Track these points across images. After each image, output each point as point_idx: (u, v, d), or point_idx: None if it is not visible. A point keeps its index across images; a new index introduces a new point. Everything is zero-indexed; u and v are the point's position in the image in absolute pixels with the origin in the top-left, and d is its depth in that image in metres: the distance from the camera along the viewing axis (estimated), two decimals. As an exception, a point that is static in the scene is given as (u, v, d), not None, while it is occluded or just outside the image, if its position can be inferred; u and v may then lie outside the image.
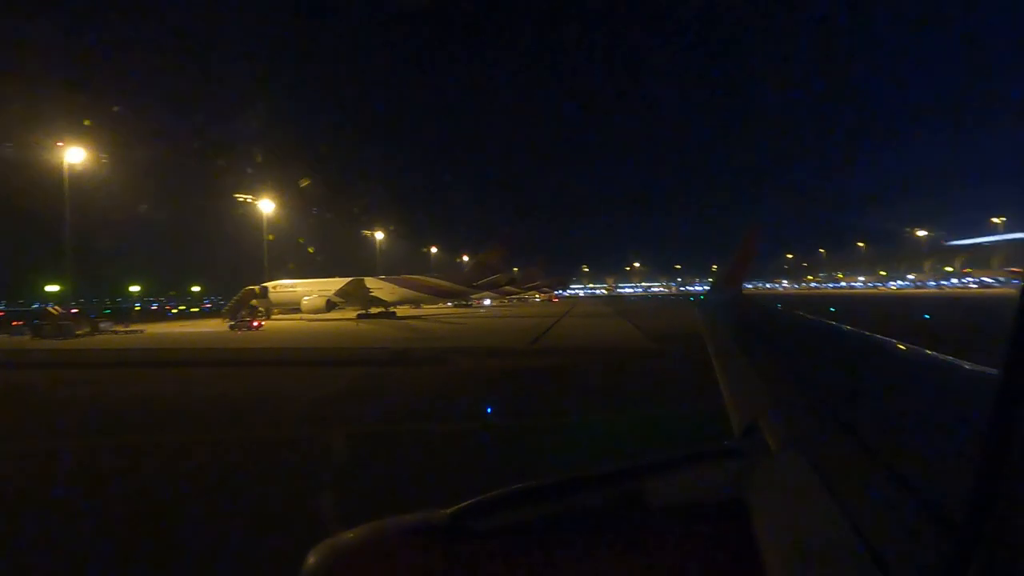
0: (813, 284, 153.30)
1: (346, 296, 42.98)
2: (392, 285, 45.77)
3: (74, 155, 35.08)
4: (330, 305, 43.19)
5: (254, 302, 45.63)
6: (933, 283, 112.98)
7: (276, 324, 36.57)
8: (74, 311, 33.82)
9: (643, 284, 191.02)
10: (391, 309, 45.77)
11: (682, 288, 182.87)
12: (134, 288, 60.26)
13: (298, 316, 44.15)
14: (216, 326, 38.48)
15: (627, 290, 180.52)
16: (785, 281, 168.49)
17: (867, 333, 2.05)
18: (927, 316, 28.35)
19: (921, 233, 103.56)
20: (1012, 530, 0.52)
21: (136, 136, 47.02)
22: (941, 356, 1.46)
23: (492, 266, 46.88)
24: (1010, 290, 78.59)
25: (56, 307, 33.05)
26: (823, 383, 1.48)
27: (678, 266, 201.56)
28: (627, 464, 1.00)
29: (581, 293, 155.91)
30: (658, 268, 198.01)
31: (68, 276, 41.73)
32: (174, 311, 69.03)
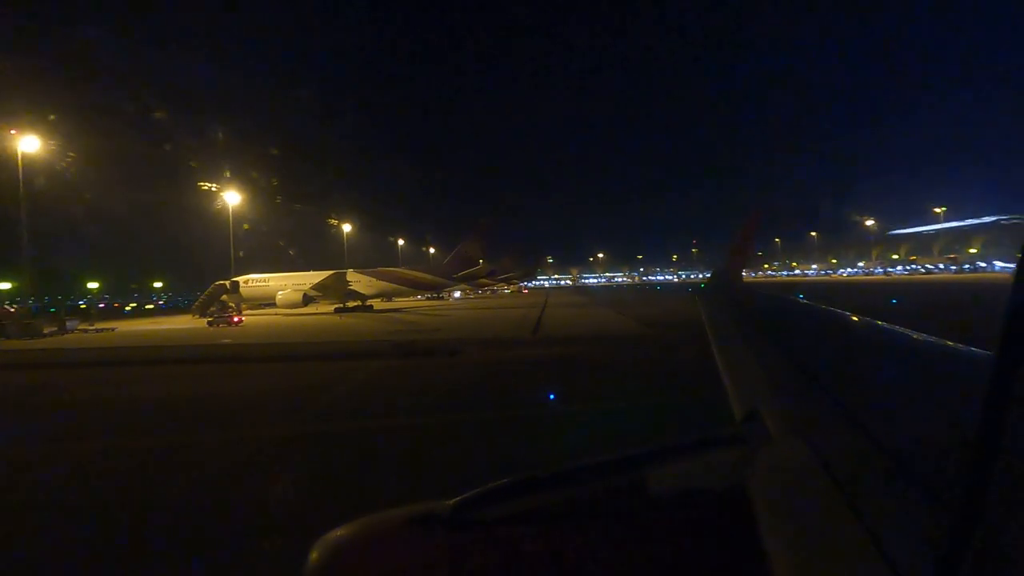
0: (770, 272, 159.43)
1: (323, 290, 42.06)
2: (370, 278, 45.00)
3: (29, 144, 32.95)
4: (307, 299, 42.21)
5: (224, 297, 44.22)
6: (880, 270, 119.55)
7: (255, 319, 35.43)
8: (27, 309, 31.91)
9: (606, 274, 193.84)
10: (368, 303, 45.11)
11: (645, 277, 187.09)
12: (92, 285, 56.81)
13: (272, 311, 42.93)
14: (188, 323, 37.03)
15: (591, 280, 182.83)
16: (743, 270, 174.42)
17: (868, 319, 2.05)
18: (894, 301, 30.01)
19: (869, 223, 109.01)
20: (1008, 516, 0.52)
21: (93, 126, 44.29)
22: (942, 341, 1.47)
23: (471, 258, 46.68)
24: (952, 276, 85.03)
25: (13, 305, 31.08)
26: (824, 369, 1.49)
27: (640, 256, 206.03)
28: (628, 452, 1.01)
29: (546, 284, 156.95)
30: (620, 258, 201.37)
31: (25, 272, 39.14)
32: (128, 308, 65.90)
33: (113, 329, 30.33)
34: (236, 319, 31.49)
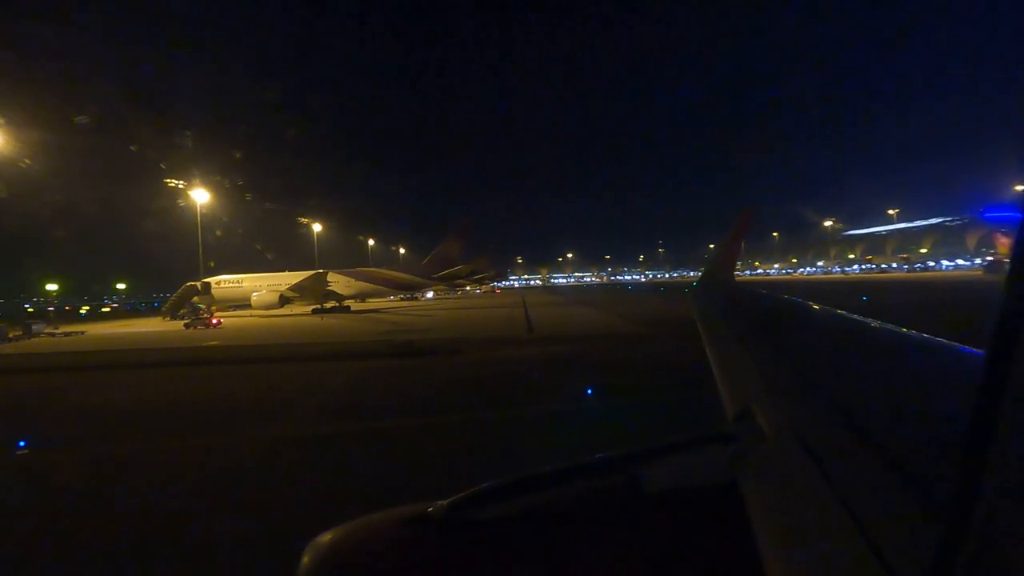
0: (735, 272, 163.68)
1: (301, 290, 41.21)
2: (348, 278, 44.27)
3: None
4: (283, 300, 41.30)
5: (195, 299, 42.87)
6: (838, 269, 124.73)
7: (233, 321, 34.37)
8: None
9: (575, 274, 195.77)
10: (344, 303, 44.44)
11: (613, 277, 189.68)
12: (51, 287, 53.79)
13: (247, 313, 41.78)
14: (161, 325, 35.68)
15: (560, 280, 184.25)
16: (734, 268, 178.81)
17: (860, 317, 2.05)
18: (864, 298, 31.42)
19: (828, 223, 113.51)
20: (999, 516, 0.53)
21: (52, 122, 41.90)
22: (935, 339, 1.47)
23: (450, 258, 46.45)
24: (905, 274, 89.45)
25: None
26: (816, 367, 1.49)
27: (607, 256, 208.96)
28: (622, 451, 1.01)
29: (516, 284, 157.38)
30: (589, 258, 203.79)
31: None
32: (82, 311, 62.85)
33: (82, 333, 28.91)
34: (215, 321, 30.49)
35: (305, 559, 0.87)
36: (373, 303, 48.62)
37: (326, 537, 0.90)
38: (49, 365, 17.06)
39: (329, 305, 43.14)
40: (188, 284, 42.99)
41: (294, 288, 41.03)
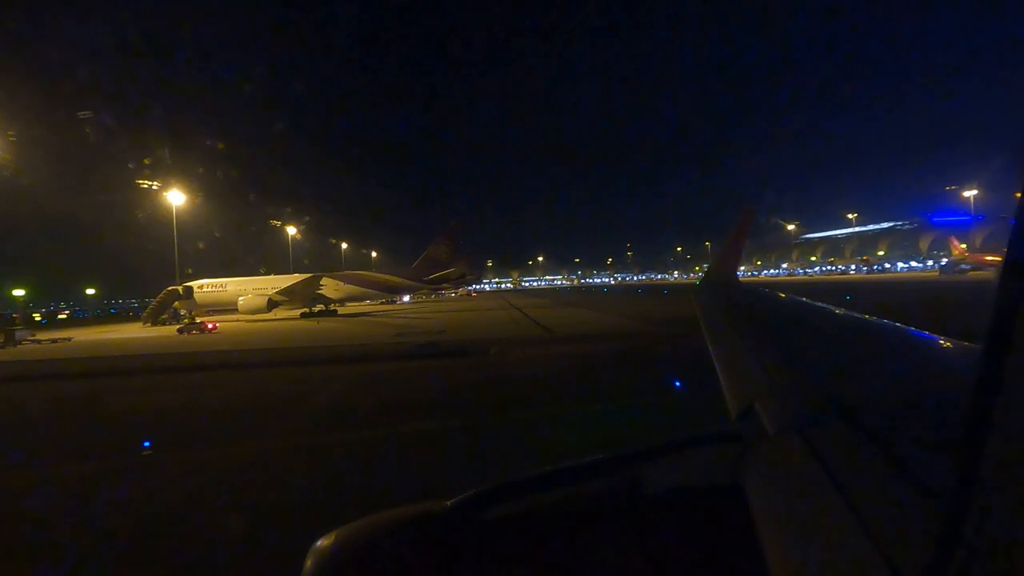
0: (701, 274, 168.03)
1: (291, 294, 40.37)
2: (337, 282, 43.62)
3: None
4: (271, 304, 40.32)
5: (176, 304, 41.48)
6: (800, 271, 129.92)
7: (227, 326, 33.35)
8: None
9: (546, 277, 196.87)
10: (331, 307, 43.78)
11: (583, 280, 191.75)
12: (18, 292, 50.66)
13: (233, 317, 40.60)
14: (147, 331, 34.33)
15: (532, 283, 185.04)
16: (676, 271, 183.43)
17: (865, 316, 2.06)
18: (848, 297, 32.97)
19: (791, 227, 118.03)
20: (998, 512, 0.53)
21: (14, 119, 39.61)
22: (940, 337, 1.46)
23: (440, 260, 46.27)
24: (863, 276, 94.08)
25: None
26: (820, 365, 1.48)
27: (577, 259, 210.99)
28: (624, 451, 1.02)
29: (487, 287, 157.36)
30: (558, 261, 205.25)
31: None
32: (60, 316, 59.61)
33: (69, 339, 27.58)
34: (211, 326, 29.56)
35: (308, 561, 0.86)
36: (353, 307, 47.91)
37: (330, 538, 0.89)
38: (70, 372, 16.34)
39: (316, 309, 42.46)
40: (169, 289, 41.51)
41: (283, 292, 40.14)
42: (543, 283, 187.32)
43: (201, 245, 48.33)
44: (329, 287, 42.65)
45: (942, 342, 1.41)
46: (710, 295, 3.71)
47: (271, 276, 44.66)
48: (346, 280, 44.30)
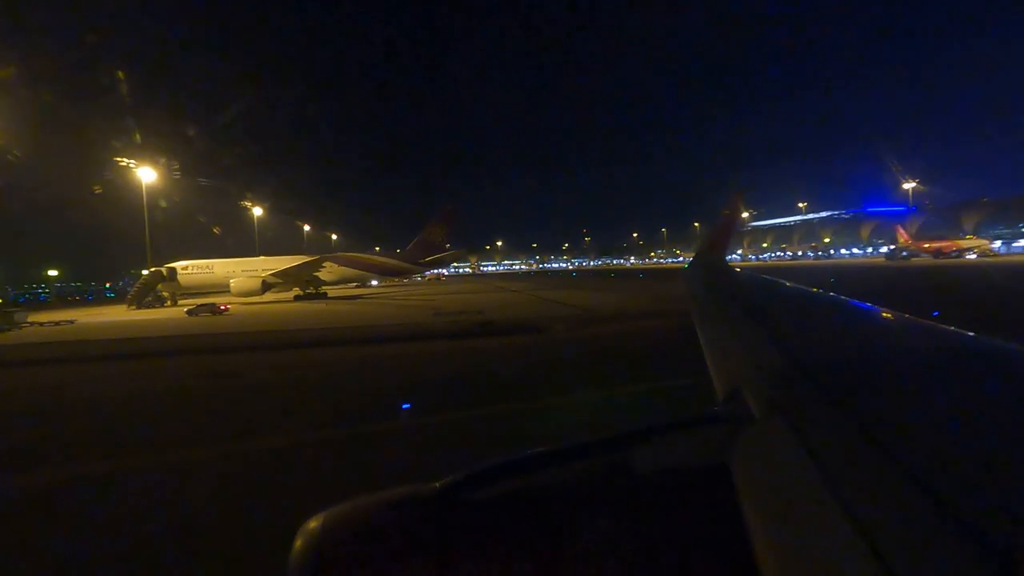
0: (656, 260, 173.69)
1: (286, 276, 39.36)
2: (331, 263, 42.64)
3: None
4: (265, 286, 39.18)
5: (160, 286, 39.64)
6: (753, 257, 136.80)
7: (237, 309, 32.21)
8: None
9: (505, 262, 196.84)
10: (321, 289, 42.88)
11: (542, 265, 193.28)
12: None
13: (223, 300, 39.14)
14: (136, 314, 32.78)
15: (490, 268, 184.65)
16: (633, 258, 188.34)
17: (852, 300, 2.08)
18: (833, 280, 35.36)
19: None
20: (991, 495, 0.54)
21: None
22: (931, 323, 1.47)
23: (435, 243, 46.07)
24: (812, 261, 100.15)
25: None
26: (807, 348, 1.51)
27: (534, 244, 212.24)
28: (614, 433, 1.03)
29: (445, 272, 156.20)
30: (516, 246, 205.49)
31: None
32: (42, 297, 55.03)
33: (71, 322, 26.09)
34: (223, 307, 28.64)
35: (297, 542, 0.87)
36: (335, 291, 47.05)
37: (318, 519, 0.90)
38: (115, 352, 15.81)
39: (309, 291, 41.53)
40: (152, 270, 39.51)
41: (278, 274, 39.05)
42: (501, 268, 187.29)
43: (172, 219, 45.79)
44: (323, 269, 41.75)
45: (937, 330, 1.42)
46: (698, 277, 3.73)
47: (260, 258, 43.14)
48: (339, 262, 43.37)
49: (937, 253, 67.90)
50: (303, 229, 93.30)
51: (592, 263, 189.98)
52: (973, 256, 65.32)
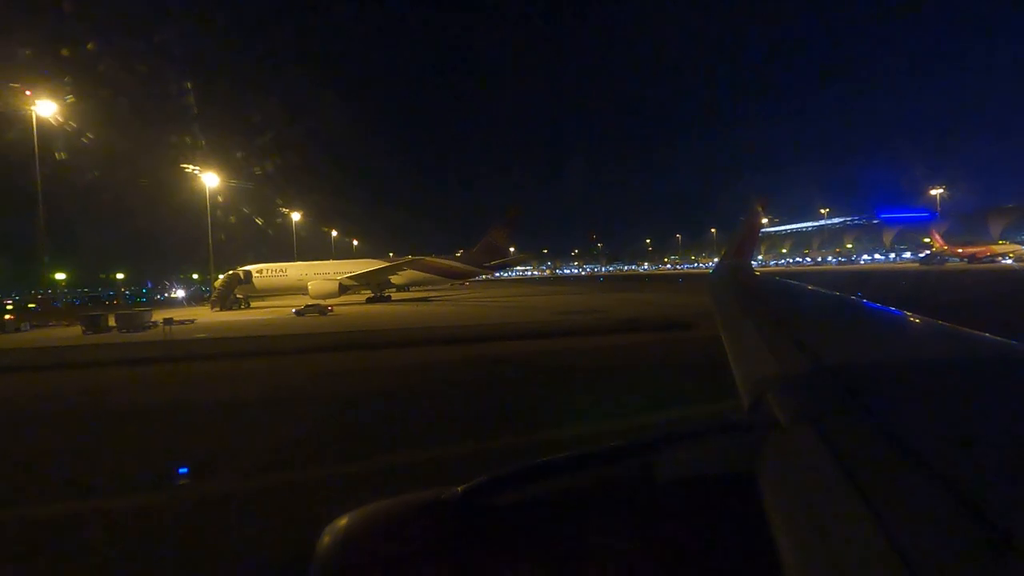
0: (668, 266, 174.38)
1: (364, 279, 40.61)
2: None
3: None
4: (342, 288, 40.30)
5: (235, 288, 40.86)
6: (774, 262, 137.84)
7: (341, 310, 33.28)
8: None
9: (516, 268, 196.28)
10: (386, 293, 43.91)
11: (556, 271, 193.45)
12: (59, 276, 47.53)
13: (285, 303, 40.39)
14: (225, 315, 33.94)
15: (502, 274, 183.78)
16: (646, 263, 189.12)
17: (881, 305, 2.06)
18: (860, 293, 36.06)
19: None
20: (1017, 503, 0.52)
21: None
22: (957, 328, 1.44)
23: (499, 246, 47.29)
24: (838, 267, 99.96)
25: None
26: (834, 355, 1.45)
27: (545, 250, 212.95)
28: (637, 439, 1.02)
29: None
30: (528, 252, 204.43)
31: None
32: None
33: (192, 321, 27.15)
34: (329, 308, 29.81)
35: (324, 539, 0.89)
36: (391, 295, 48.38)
37: (341, 521, 0.92)
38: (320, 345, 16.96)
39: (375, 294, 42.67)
40: (231, 272, 40.86)
41: (356, 277, 40.22)
42: (513, 274, 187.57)
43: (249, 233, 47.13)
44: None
45: (968, 336, 1.39)
46: (723, 282, 3.69)
47: (331, 261, 44.36)
48: (414, 267, 44.57)
49: (971, 258, 68.21)
50: (331, 234, 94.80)
51: (603, 269, 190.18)
52: (1009, 261, 65.40)
